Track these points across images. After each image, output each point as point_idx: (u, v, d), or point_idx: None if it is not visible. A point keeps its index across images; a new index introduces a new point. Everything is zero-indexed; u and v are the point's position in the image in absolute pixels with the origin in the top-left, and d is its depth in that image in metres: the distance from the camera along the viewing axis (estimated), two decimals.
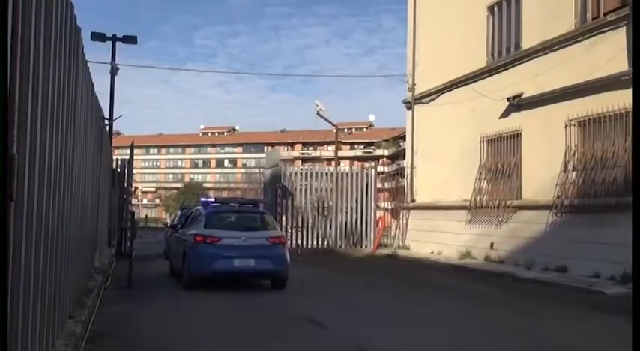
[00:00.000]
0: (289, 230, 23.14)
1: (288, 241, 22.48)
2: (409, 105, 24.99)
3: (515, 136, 18.26)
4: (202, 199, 14.98)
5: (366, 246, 23.39)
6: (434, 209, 22.22)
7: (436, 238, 21.31)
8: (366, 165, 27.45)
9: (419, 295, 11.69)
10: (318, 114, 30.59)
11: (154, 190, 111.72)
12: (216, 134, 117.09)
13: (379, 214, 24.85)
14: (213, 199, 14.47)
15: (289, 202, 23.15)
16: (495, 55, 19.96)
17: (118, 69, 23.73)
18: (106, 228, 16.03)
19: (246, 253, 11.64)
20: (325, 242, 23.41)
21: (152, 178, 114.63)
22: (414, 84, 24.61)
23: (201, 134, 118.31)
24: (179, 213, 18.95)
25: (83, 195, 7.39)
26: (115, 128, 26.89)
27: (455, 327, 8.34)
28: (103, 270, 11.90)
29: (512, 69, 18.75)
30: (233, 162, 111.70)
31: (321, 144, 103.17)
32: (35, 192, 3.82)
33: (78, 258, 6.99)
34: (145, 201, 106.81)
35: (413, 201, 24.10)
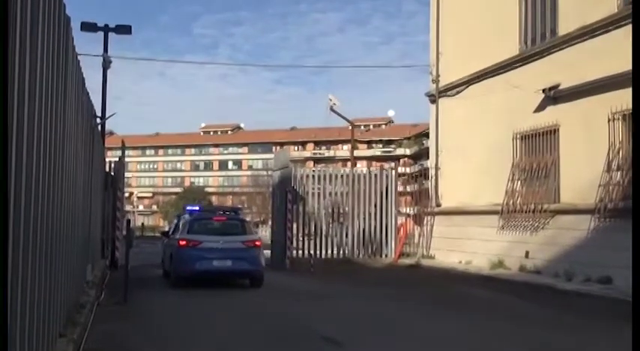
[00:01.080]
0: (300, 238, 23.15)
1: (300, 251, 22.58)
2: (433, 98, 24.92)
3: (552, 132, 18.15)
4: (188, 208, 17.99)
5: (386, 256, 23.35)
6: (461, 214, 22.13)
7: (464, 246, 21.22)
8: (386, 165, 27.44)
9: (445, 310, 11.64)
10: (331, 109, 30.62)
11: (150, 195, 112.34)
12: (219, 133, 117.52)
13: (400, 220, 24.79)
14: (197, 207, 17.84)
15: (300, 207, 23.15)
16: (529, 42, 19.85)
17: (110, 62, 23.87)
18: (99, 238, 16.10)
19: (224, 255, 14.75)
20: (341, 252, 23.39)
21: (149, 182, 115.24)
22: (438, 75, 24.53)
23: (202, 133, 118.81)
24: (176, 221, 19.08)
25: (73, 202, 7.43)
26: (107, 127, 27.16)
27: (486, 349, 8.28)
28: (96, 284, 11.97)
29: (548, 57, 18.64)
30: (238, 163, 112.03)
31: (336, 143, 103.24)
32: (21, 200, 3.84)
33: (69, 271, 7.02)
34: (140, 207, 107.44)
35: (438, 205, 24.01)
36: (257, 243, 15.35)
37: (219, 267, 14.76)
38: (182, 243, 14.97)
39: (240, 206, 18.81)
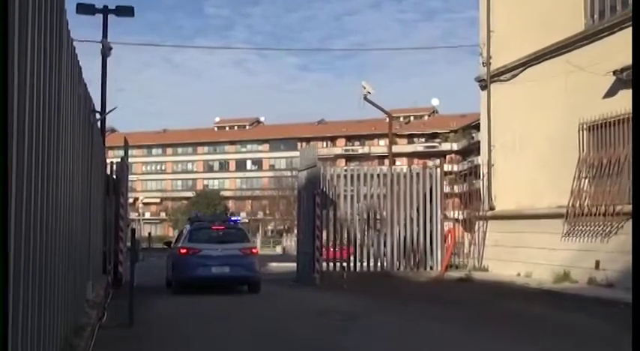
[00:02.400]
0: (331, 248, 23.14)
1: (330, 264, 22.59)
2: (483, 84, 24.76)
3: (626, 121, 17.89)
4: (192, 213, 22.63)
5: (431, 268, 23.25)
6: (519, 219, 21.95)
7: (523, 255, 21.04)
8: (430, 163, 27.29)
9: (502, 332, 11.52)
10: (365, 99, 30.54)
11: (158, 200, 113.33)
12: (236, 128, 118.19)
13: (447, 226, 24.66)
14: (197, 215, 21.60)
15: (331, 212, 23.15)
16: (596, 16, 19.61)
17: (110, 48, 24.09)
18: (100, 251, 16.26)
19: (222, 261, 18.08)
20: (378, 264, 23.34)
21: (156, 186, 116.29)
22: (489, 57, 24.37)
23: (216, 129, 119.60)
24: (188, 227, 20.01)
25: (71, 211, 7.50)
26: (108, 124, 27.50)
27: None
28: (98, 303, 12.07)
29: (620, 34, 18.37)
30: (258, 163, 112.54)
31: (371, 137, 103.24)
32: (10, 210, 3.86)
33: (66, 290, 7.08)
34: (147, 215, 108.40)
35: (491, 208, 23.84)
36: (253, 250, 19.00)
37: (217, 273, 18.07)
38: (182, 251, 18.48)
39: (238, 218, 24.93)
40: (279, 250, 73.09)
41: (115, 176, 20.25)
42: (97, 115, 14.48)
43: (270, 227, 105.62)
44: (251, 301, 16.48)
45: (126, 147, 22.58)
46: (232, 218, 21.27)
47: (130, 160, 23.55)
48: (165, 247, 22.66)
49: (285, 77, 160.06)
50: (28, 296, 4.52)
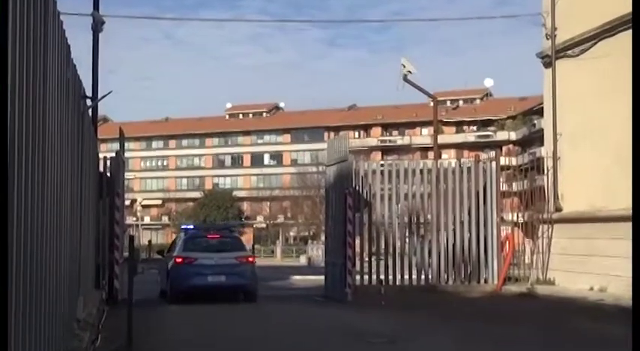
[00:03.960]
0: (366, 259, 23.11)
1: (365, 277, 22.59)
2: (547, 60, 24.57)
3: None
4: (183, 226, 27.25)
5: (485, 281, 23.15)
6: (591, 221, 21.77)
7: (596, 266, 20.88)
8: (483, 155, 27.13)
9: None
10: (404, 79, 30.41)
11: (159, 202, 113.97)
12: (251, 116, 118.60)
13: (505, 231, 24.53)
14: (192, 226, 25.84)
15: (365, 215, 23.12)
16: None
17: (102, 23, 24.18)
18: (93, 262, 16.38)
19: (218, 270, 20.80)
20: (422, 276, 23.28)
21: (157, 185, 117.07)
22: (554, 28, 24.17)
23: (228, 117, 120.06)
24: (182, 236, 22.70)
25: (58, 215, 7.55)
26: (100, 112, 27.54)
27: None
28: (91, 324, 12.14)
29: None
30: (277, 157, 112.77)
31: (411, 125, 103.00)
32: None
33: (52, 309, 7.13)
34: (146, 219, 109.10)
35: (558, 210, 23.67)
36: (250, 259, 21.79)
37: (213, 282, 20.77)
38: (178, 260, 21.09)
39: (234, 226, 29.71)
40: (303, 260, 73.13)
41: (109, 174, 20.38)
42: (89, 102, 14.57)
43: (292, 233, 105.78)
44: (268, 320, 16.51)
45: (121, 139, 22.68)
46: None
47: (126, 154, 23.63)
48: (160, 257, 24.70)
49: (309, 54, 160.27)
50: (8, 317, 4.55)
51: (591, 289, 20.71)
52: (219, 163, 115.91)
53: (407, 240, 23.71)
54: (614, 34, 21.65)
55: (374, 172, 23.80)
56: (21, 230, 4.95)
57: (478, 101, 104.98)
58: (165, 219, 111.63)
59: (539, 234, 24.14)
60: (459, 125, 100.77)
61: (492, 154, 25.65)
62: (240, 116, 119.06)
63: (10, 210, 4.52)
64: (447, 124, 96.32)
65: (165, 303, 20.54)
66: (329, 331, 14.61)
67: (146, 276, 31.26)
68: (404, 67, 30.48)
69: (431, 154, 74.33)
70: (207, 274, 20.70)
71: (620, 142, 21.02)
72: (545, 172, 24.51)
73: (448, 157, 72.50)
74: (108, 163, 20.73)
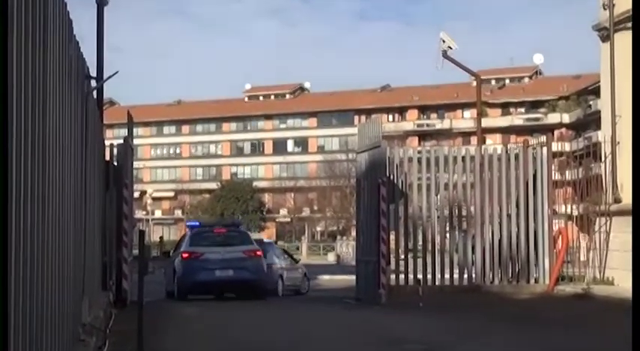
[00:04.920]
0: (402, 256, 23.09)
1: (401, 276, 22.57)
2: (605, 33, 24.36)
3: None
4: (188, 223, 30.40)
5: (535, 280, 23.04)
6: None
7: None
8: (532, 140, 26.80)
9: None
10: (444, 56, 30.32)
11: (171, 195, 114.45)
12: (272, 98, 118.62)
13: (558, 224, 24.42)
14: (198, 223, 27.92)
15: (401, 207, 23.09)
16: None
17: None
18: (99, 260, 16.46)
19: (226, 264, 22.53)
20: (465, 275, 23.23)
21: (169, 176, 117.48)
22: None
23: (247, 99, 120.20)
24: (189, 232, 25.10)
25: (60, 209, 7.58)
26: (106, 94, 27.55)
27: None
28: (97, 328, 12.21)
29: None
30: (302, 143, 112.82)
31: (452, 107, 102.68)
32: None
33: (55, 312, 7.16)
34: (158, 213, 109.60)
35: (617, 201, 23.49)
36: (257, 253, 23.49)
37: (221, 277, 22.58)
38: (185, 256, 23.01)
39: (240, 222, 32.14)
40: (331, 258, 73.37)
41: (116, 163, 20.46)
42: (93, 83, 14.62)
43: (319, 228, 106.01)
44: (294, 326, 16.53)
45: (130, 124, 22.77)
46: (265, 240, 26.77)
47: (135, 141, 23.71)
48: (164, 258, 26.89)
49: (338, 29, 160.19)
50: (7, 321, 4.57)
51: None
52: (238, 151, 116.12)
53: (447, 235, 23.63)
54: None
55: (410, 159, 23.73)
56: (20, 225, 4.97)
57: (526, 80, 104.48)
58: (178, 213, 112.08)
59: (596, 228, 23.98)
60: (505, 107, 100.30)
61: (543, 138, 25.30)
62: (261, 98, 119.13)
63: (9, 204, 4.53)
64: (491, 105, 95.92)
65: (177, 305, 20.80)
66: (361, 337, 14.61)
67: (157, 276, 31.48)
68: (443, 42, 30.38)
69: (474, 140, 73.84)
70: (215, 269, 22.59)
71: None
72: (603, 158, 24.32)
73: (493, 143, 72.29)
74: (115, 150, 20.81)
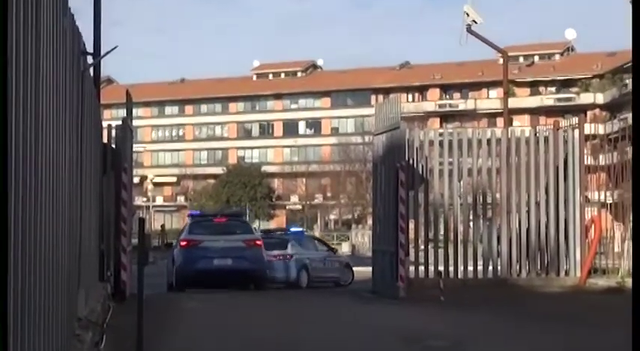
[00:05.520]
0: (421, 246, 23.03)
1: (421, 268, 22.54)
2: None
3: None
4: (190, 213, 32.51)
5: (566, 273, 23.00)
6: None
7: None
8: (564, 122, 26.64)
9: None
10: (468, 31, 30.19)
11: (174, 180, 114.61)
12: (283, 76, 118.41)
13: (590, 212, 24.34)
14: (198, 212, 31.98)
15: (421, 194, 23.03)
16: None
17: None
18: (96, 250, 16.48)
19: (224, 253, 23.76)
20: (490, 268, 23.19)
21: (171, 160, 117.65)
22: None
23: (255, 77, 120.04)
24: (189, 221, 27.00)
25: (54, 195, 7.58)
26: (104, 72, 27.40)
27: None
28: (94, 322, 12.24)
29: None
30: (314, 125, 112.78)
31: (476, 86, 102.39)
32: None
33: (47, 305, 7.17)
34: (159, 200, 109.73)
35: None
36: (257, 242, 24.77)
37: (219, 266, 23.68)
38: (183, 244, 24.51)
39: (243, 212, 35.46)
40: (346, 248, 73.39)
41: (114, 145, 20.47)
42: (90, 59, 14.61)
43: (332, 216, 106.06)
44: (306, 320, 16.53)
45: (129, 104, 22.78)
46: (292, 229, 29.24)
47: (134, 122, 23.73)
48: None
49: (353, 2, 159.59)
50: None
51: None
52: (245, 133, 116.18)
53: (471, 224, 23.60)
54: None
55: (431, 142, 23.69)
56: (11, 212, 4.96)
57: (557, 57, 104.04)
58: (180, 199, 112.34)
59: (631, 217, 23.90)
60: (534, 86, 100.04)
61: (575, 120, 25.22)
62: (270, 76, 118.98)
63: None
64: (519, 84, 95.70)
65: (179, 298, 21.03)
66: (377, 333, 14.60)
67: (159, 267, 31.57)
68: (467, 16, 30.25)
69: (500, 121, 73.56)
70: (213, 258, 23.83)
71: None
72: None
73: (521, 125, 72.01)
74: (113, 132, 20.81)
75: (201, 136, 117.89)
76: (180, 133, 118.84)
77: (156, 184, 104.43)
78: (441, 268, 22.69)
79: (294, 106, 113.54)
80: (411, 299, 19.95)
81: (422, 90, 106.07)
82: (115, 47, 20.27)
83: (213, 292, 22.84)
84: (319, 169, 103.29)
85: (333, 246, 35.16)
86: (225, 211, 38.65)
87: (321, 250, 32.51)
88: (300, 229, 42.33)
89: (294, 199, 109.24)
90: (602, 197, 25.78)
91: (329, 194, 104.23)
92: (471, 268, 23.21)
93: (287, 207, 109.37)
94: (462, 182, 23.72)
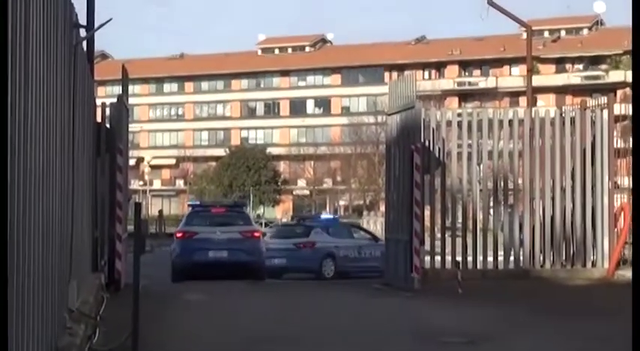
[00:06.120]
0: (438, 234, 23.03)
1: (437, 258, 22.55)
2: None
3: None
4: (189, 203, 36.26)
5: (593, 264, 22.97)
6: None
7: None
8: (591, 102, 26.54)
9: None
10: (489, 3, 30.12)
11: (173, 162, 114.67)
12: (290, 51, 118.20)
13: (619, 199, 24.29)
14: (198, 202, 34.75)
15: (438, 178, 23.02)
16: None
17: None
18: (89, 237, 16.51)
19: (220, 245, 24.87)
20: (511, 258, 23.18)
21: (170, 141, 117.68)
22: None
23: (260, 52, 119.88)
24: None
25: (44, 180, 7.58)
26: (98, 46, 27.34)
27: None
28: (86, 315, 12.26)
29: None
30: (323, 104, 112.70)
31: (498, 63, 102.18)
32: None
33: (37, 296, 7.19)
34: (157, 184, 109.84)
35: None
36: (255, 234, 26.21)
37: (215, 258, 24.75)
38: (178, 235, 26.05)
39: (329, 215, 34.71)
40: (357, 236, 73.29)
41: (108, 125, 20.48)
42: (83, 32, 14.59)
43: (342, 202, 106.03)
44: (316, 315, 16.56)
45: (125, 81, 22.78)
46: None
47: (130, 100, 23.76)
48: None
49: None
50: None
51: None
52: (249, 112, 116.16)
53: (491, 211, 23.57)
54: None
55: (449, 123, 23.63)
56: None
57: (585, 32, 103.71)
58: (179, 183, 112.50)
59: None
60: (559, 63, 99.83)
61: (604, 100, 25.16)
62: (276, 51, 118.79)
63: None
64: (544, 61, 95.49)
65: (177, 290, 21.43)
66: (390, 328, 14.63)
67: (156, 256, 31.64)
68: None
69: (523, 101, 73.43)
70: (209, 249, 24.93)
71: None
72: None
73: (545, 105, 71.92)
74: (107, 111, 20.81)
75: (201, 115, 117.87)
76: (180, 112, 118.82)
77: (153, 167, 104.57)
78: (458, 258, 22.70)
79: (301, 83, 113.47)
80: (426, 291, 19.96)
81: (439, 67, 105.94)
82: (110, 19, 20.25)
83: (210, 283, 23.01)
84: (328, 152, 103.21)
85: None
86: (224, 202, 40.88)
87: (358, 238, 32.52)
88: (333, 216, 42.52)
89: (302, 183, 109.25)
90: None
91: (339, 178, 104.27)
92: (490, 258, 23.18)
93: (294, 192, 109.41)
94: (481, 166, 23.68)
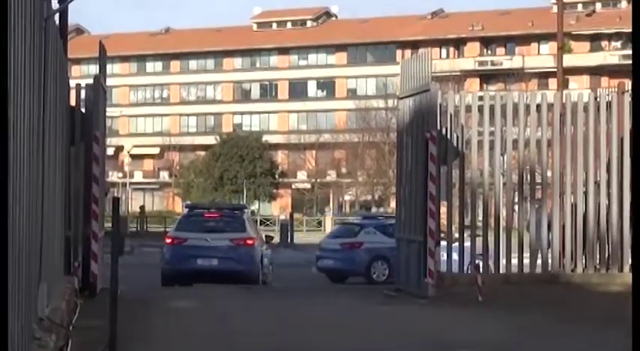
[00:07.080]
0: (455, 234, 23.04)
1: (455, 259, 22.55)
2: None
3: None
4: (186, 203, 40.67)
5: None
6: None
7: None
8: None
9: None
10: None
11: (156, 151, 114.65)
12: (289, 26, 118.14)
13: None
14: (191, 204, 38.85)
15: (455, 170, 23.03)
16: None
17: None
18: (61, 236, 16.53)
19: (210, 253, 25.77)
20: (538, 261, 23.21)
21: (153, 127, 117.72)
22: None
23: (255, 27, 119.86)
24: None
25: (10, 171, 7.59)
26: (72, 20, 27.29)
27: None
28: (58, 323, 12.29)
29: None
30: (327, 86, 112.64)
31: (524, 40, 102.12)
32: None
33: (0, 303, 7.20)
34: (138, 176, 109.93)
35: None
36: (248, 241, 26.35)
37: (203, 266, 25.68)
38: (168, 241, 26.87)
39: (245, 206, 35.59)
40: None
41: (84, 109, 20.47)
42: (55, 4, 14.59)
43: (348, 197, 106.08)
44: (319, 323, 16.60)
45: (102, 59, 22.77)
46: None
47: (109, 81, 23.72)
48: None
49: None
50: None
51: None
52: (243, 95, 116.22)
53: (516, 208, 23.61)
54: None
55: (468, 107, 23.67)
56: None
57: (624, 4, 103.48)
58: (164, 175, 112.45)
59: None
60: (594, 40, 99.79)
61: None
62: (274, 26, 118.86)
63: None
64: (577, 38, 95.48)
65: (161, 296, 21.75)
66: (402, 338, 14.68)
67: (137, 256, 31.69)
68: None
69: (553, 83, 73.26)
70: (197, 257, 25.95)
71: None
72: None
73: (579, 87, 71.90)
74: (83, 93, 20.81)
75: (189, 98, 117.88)
76: (164, 95, 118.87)
77: (134, 157, 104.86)
78: (478, 261, 22.75)
79: (302, 62, 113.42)
80: (442, 299, 20.01)
81: (458, 44, 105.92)
82: None
83: (200, 288, 23.21)
84: (332, 140, 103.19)
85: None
86: (222, 205, 43.59)
87: None
88: (369, 212, 42.57)
89: (302, 176, 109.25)
90: None
91: (344, 170, 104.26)
92: (515, 261, 23.23)
93: (293, 186, 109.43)
94: (505, 157, 23.69)
